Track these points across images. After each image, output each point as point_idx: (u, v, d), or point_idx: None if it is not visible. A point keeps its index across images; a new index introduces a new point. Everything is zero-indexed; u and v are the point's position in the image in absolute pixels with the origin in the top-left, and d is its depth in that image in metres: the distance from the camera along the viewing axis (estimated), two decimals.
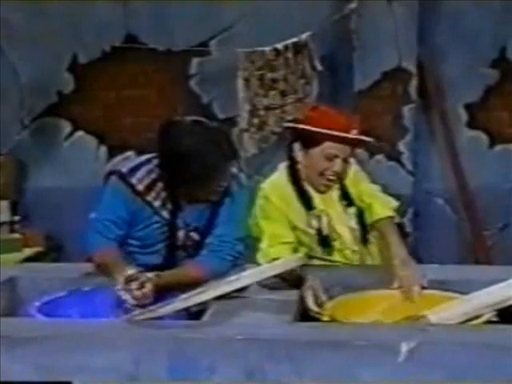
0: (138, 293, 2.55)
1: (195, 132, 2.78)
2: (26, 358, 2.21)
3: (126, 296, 2.55)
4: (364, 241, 3.10)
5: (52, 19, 5.37)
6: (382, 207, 3.00)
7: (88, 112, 5.51)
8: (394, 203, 3.09)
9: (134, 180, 2.87)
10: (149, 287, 2.58)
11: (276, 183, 3.08)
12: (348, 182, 3.07)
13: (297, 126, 3.03)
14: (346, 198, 3.07)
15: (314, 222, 3.01)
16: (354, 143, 2.99)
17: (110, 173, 2.96)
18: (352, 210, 3.07)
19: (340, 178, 3.01)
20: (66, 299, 2.69)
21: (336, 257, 3.10)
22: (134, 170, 2.90)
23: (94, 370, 2.19)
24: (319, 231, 3.02)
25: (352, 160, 3.09)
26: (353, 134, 2.94)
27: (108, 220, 2.87)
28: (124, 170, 2.91)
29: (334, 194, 3.07)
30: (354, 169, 3.10)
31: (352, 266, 3.09)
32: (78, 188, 5.34)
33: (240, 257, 2.95)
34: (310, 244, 3.07)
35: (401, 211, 3.11)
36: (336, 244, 3.06)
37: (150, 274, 2.63)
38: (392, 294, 2.76)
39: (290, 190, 3.05)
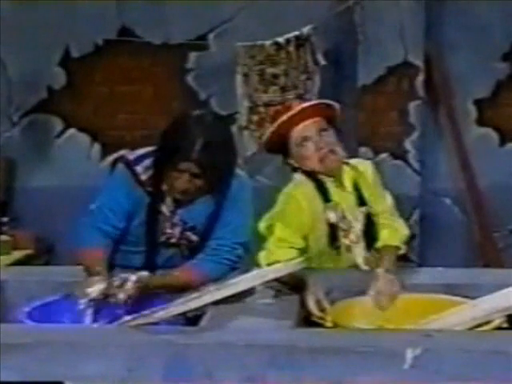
0: (121, 296, 2.54)
1: (187, 123, 2.78)
2: (15, 366, 2.15)
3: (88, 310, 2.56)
4: (368, 245, 3.07)
5: (42, 10, 5.33)
6: (391, 235, 3.04)
7: (80, 108, 5.48)
8: (405, 232, 3.12)
9: (139, 169, 2.85)
10: (131, 286, 2.56)
11: (298, 183, 3.05)
12: (362, 183, 3.06)
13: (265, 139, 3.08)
14: (360, 198, 3.05)
15: (332, 215, 2.98)
16: (303, 116, 2.98)
17: (117, 160, 2.96)
18: (363, 209, 3.05)
19: (333, 149, 2.99)
20: (57, 304, 2.63)
21: (343, 256, 3.05)
22: (140, 158, 2.88)
23: (87, 377, 2.15)
24: (332, 226, 2.99)
25: (367, 161, 3.17)
26: (295, 109, 2.98)
27: (109, 209, 2.84)
28: (131, 157, 2.90)
29: (350, 192, 3.05)
30: (369, 170, 3.12)
31: (352, 270, 3.05)
32: (70, 188, 5.30)
33: (239, 261, 2.89)
34: (319, 248, 3.03)
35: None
36: (346, 241, 3.03)
37: (143, 273, 2.62)
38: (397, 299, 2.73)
39: (310, 187, 3.02)
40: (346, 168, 3.05)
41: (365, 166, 3.11)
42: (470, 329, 2.38)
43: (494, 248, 5.30)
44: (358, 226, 3.03)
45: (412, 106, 5.11)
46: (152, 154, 2.85)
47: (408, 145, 5.14)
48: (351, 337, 2.29)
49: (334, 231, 2.99)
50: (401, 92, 5.10)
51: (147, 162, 2.84)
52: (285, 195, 3.02)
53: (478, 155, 5.27)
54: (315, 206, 2.98)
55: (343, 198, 3.02)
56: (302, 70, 5.10)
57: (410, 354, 2.06)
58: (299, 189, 3.01)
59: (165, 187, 2.82)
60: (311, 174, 3.02)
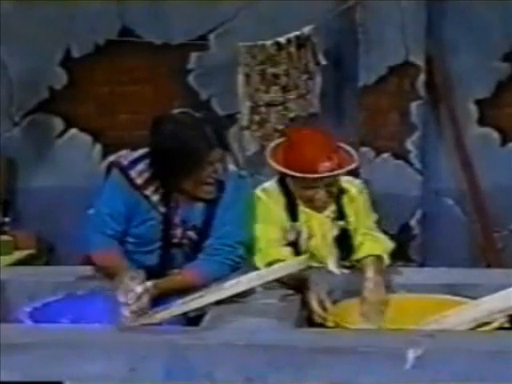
0: (134, 307, 2.48)
1: (176, 120, 2.82)
2: (16, 366, 2.17)
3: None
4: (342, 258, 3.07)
5: (43, 11, 5.29)
6: (372, 246, 2.99)
7: (81, 108, 5.43)
8: (389, 244, 3.07)
9: (133, 173, 2.87)
10: (145, 299, 2.51)
11: (269, 190, 3.07)
12: (346, 199, 3.06)
13: (270, 163, 3.03)
14: (340, 214, 3.05)
15: (291, 236, 3.00)
16: (322, 178, 2.95)
17: (111, 165, 2.99)
18: (341, 222, 3.05)
19: (329, 198, 3.00)
20: (58, 304, 2.66)
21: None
22: (134, 162, 2.90)
23: (88, 377, 2.17)
24: (294, 245, 3.01)
25: (356, 181, 3.14)
26: (322, 169, 2.90)
27: (107, 214, 2.87)
28: (124, 162, 2.93)
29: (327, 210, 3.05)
30: (354, 189, 3.10)
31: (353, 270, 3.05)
32: (71, 188, 5.27)
33: (241, 261, 2.90)
34: None
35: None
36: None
37: (148, 283, 2.59)
38: (398, 300, 2.75)
39: (280, 199, 3.03)
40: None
41: (351, 186, 3.09)
42: (472, 329, 2.38)
43: (495, 248, 5.25)
44: (326, 249, 3.03)
45: (413, 106, 5.05)
46: (146, 158, 2.86)
47: (409, 145, 5.08)
48: (353, 337, 2.29)
49: (296, 248, 3.00)
50: (402, 92, 5.05)
51: (141, 165, 2.87)
52: (257, 196, 3.04)
53: (479, 155, 5.22)
54: (280, 218, 3.01)
55: (315, 218, 3.03)
56: (303, 70, 5.08)
57: (411, 355, 2.08)
58: (267, 195, 3.02)
59: (162, 189, 2.85)
60: (287, 191, 3.02)
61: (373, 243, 2.99)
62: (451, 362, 2.09)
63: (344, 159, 2.98)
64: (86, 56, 5.38)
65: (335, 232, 3.03)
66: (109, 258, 2.82)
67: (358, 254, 2.96)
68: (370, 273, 2.80)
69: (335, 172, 2.93)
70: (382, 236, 3.08)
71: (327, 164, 2.90)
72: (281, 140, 3.14)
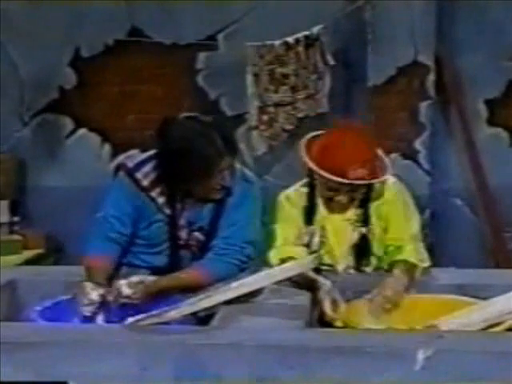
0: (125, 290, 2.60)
1: (186, 127, 2.79)
2: (26, 365, 2.16)
3: (86, 309, 2.60)
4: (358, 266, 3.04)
5: (53, 11, 5.32)
6: (413, 253, 2.88)
7: (91, 108, 5.46)
8: (426, 261, 2.95)
9: (139, 175, 2.87)
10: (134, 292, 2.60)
11: (290, 195, 3.06)
12: (379, 202, 2.98)
13: (303, 158, 2.93)
14: (364, 218, 2.99)
15: (304, 239, 2.99)
16: (352, 184, 2.87)
17: (118, 167, 2.98)
18: (363, 229, 2.99)
19: (351, 201, 2.96)
20: (69, 303, 2.64)
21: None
22: (140, 164, 2.90)
23: (98, 376, 2.16)
24: (308, 247, 3.00)
25: (393, 179, 3.01)
26: (352, 175, 2.81)
27: (113, 216, 2.87)
28: (130, 164, 2.92)
29: (348, 212, 3.01)
30: (392, 190, 3.00)
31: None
32: (80, 187, 5.31)
33: (248, 261, 2.89)
34: None
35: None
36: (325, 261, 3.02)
37: (149, 278, 2.66)
38: (407, 300, 2.73)
39: (300, 202, 3.03)
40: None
41: (386, 190, 2.98)
42: (482, 330, 2.37)
43: (504, 248, 5.23)
44: (343, 252, 3.00)
45: (422, 106, 5.06)
46: (152, 160, 2.86)
47: (418, 145, 5.08)
48: (362, 337, 2.28)
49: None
50: (411, 92, 5.05)
51: (147, 167, 2.86)
52: (278, 200, 3.04)
53: (489, 155, 5.21)
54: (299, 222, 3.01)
55: (333, 222, 3.00)
56: (311, 69, 5.10)
57: (421, 355, 2.07)
58: (287, 200, 3.03)
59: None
60: (312, 194, 3.00)
61: (414, 250, 2.90)
62: (461, 362, 2.08)
63: (377, 168, 2.88)
64: (96, 56, 5.41)
65: (355, 237, 2.99)
66: (96, 263, 2.76)
67: (395, 257, 2.88)
68: (396, 272, 2.77)
69: (362, 181, 2.84)
70: (422, 249, 2.97)
71: (359, 171, 2.80)
72: (319, 133, 3.01)
